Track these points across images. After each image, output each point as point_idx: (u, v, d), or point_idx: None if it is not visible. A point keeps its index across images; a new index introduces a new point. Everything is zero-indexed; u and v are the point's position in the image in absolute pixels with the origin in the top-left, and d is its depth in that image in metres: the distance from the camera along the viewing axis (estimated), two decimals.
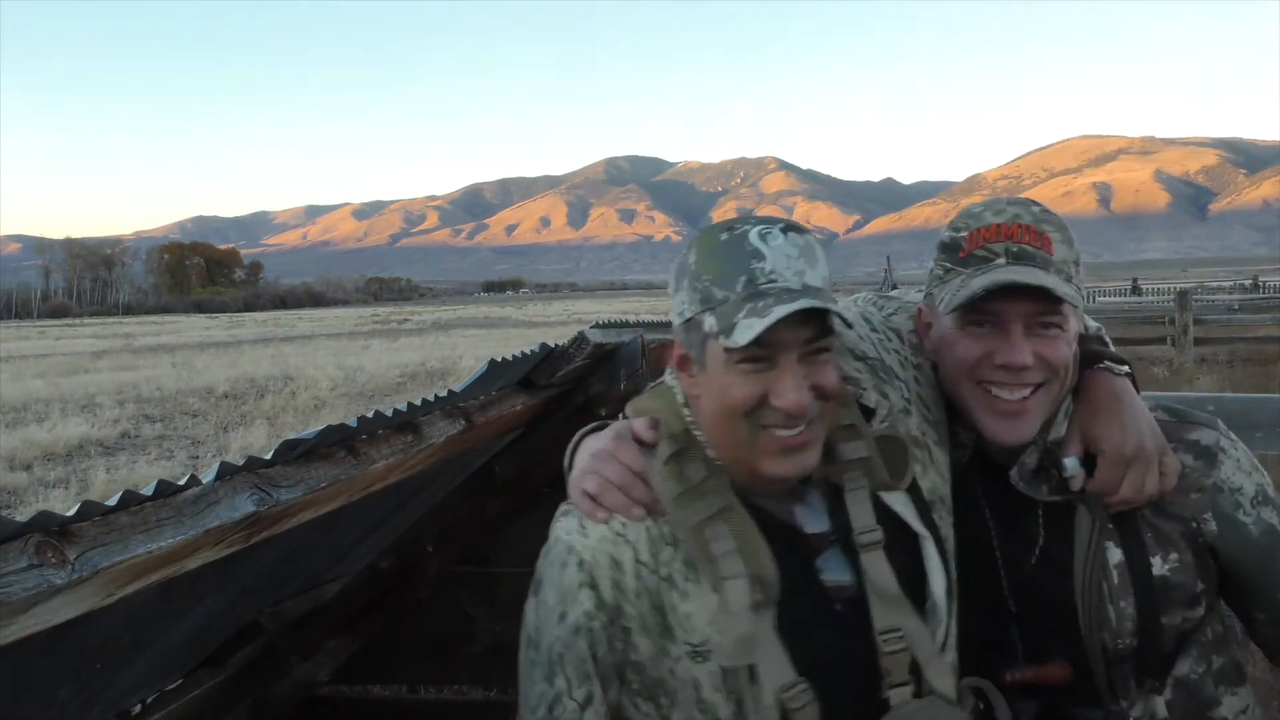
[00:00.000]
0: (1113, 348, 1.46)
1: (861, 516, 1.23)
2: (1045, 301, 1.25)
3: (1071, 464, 1.32)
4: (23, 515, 1.28)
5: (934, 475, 1.34)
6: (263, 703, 2.27)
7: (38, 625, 1.11)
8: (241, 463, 1.54)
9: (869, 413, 1.31)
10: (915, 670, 1.21)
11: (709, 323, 1.16)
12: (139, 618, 1.40)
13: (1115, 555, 1.31)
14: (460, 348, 27.07)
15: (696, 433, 1.26)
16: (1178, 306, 15.15)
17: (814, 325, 1.15)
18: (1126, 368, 1.40)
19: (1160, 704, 1.32)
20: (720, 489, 1.22)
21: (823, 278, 1.18)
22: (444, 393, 1.95)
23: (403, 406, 1.90)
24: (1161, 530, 1.32)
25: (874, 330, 1.41)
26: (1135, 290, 44.12)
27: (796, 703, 1.15)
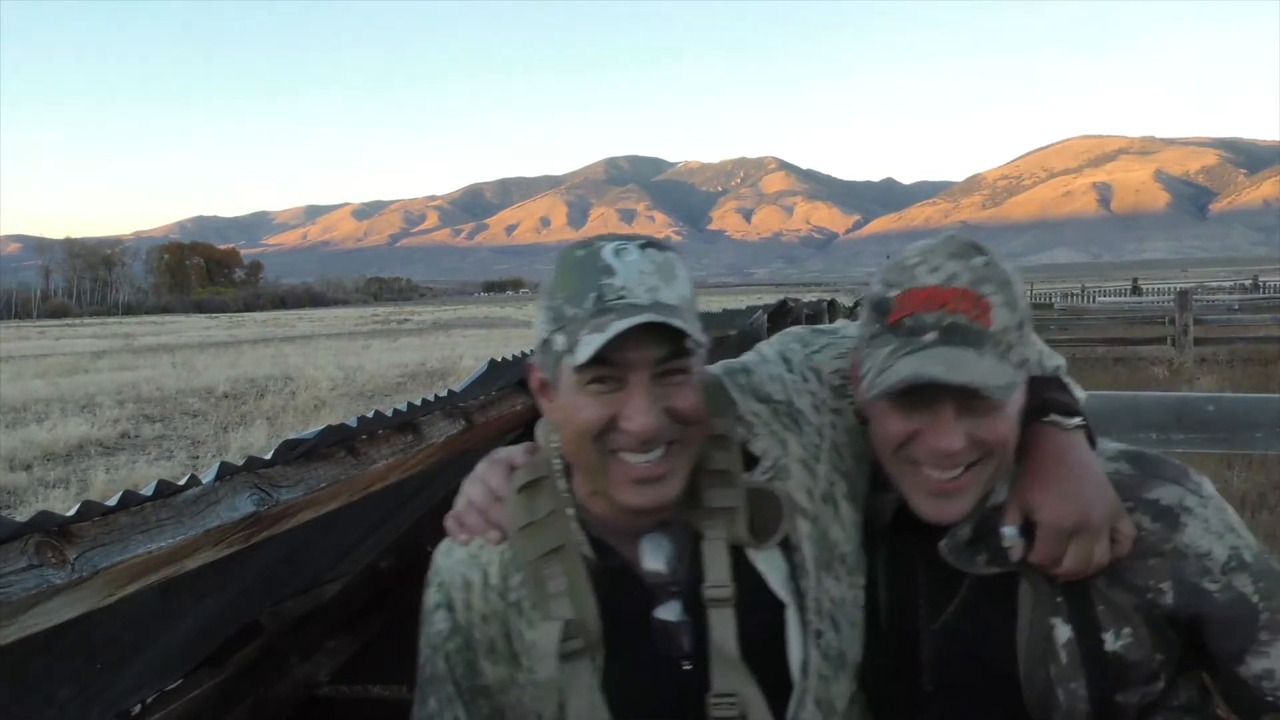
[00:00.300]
0: (1076, 390, 1.31)
1: (716, 570, 1.16)
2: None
3: (1010, 534, 1.18)
4: (23, 515, 1.29)
5: (836, 531, 1.24)
6: (263, 703, 2.27)
7: (38, 625, 1.11)
8: (241, 463, 1.54)
9: (754, 460, 1.23)
10: None
11: (559, 341, 1.10)
12: (139, 618, 1.40)
13: (1064, 633, 1.18)
14: (460, 348, 27.07)
15: (556, 462, 1.22)
16: (1178, 306, 15.16)
17: (666, 345, 1.08)
18: (1079, 419, 1.24)
19: None
20: (560, 525, 1.18)
21: (680, 296, 1.11)
22: (444, 393, 1.95)
23: (403, 406, 1.90)
24: (1114, 602, 1.18)
25: (790, 370, 1.31)
26: (1135, 290, 44.15)
27: None
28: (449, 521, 1.27)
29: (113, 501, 1.26)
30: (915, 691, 1.25)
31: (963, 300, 1.12)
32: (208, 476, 1.46)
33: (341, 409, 14.52)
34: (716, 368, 1.31)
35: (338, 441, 1.72)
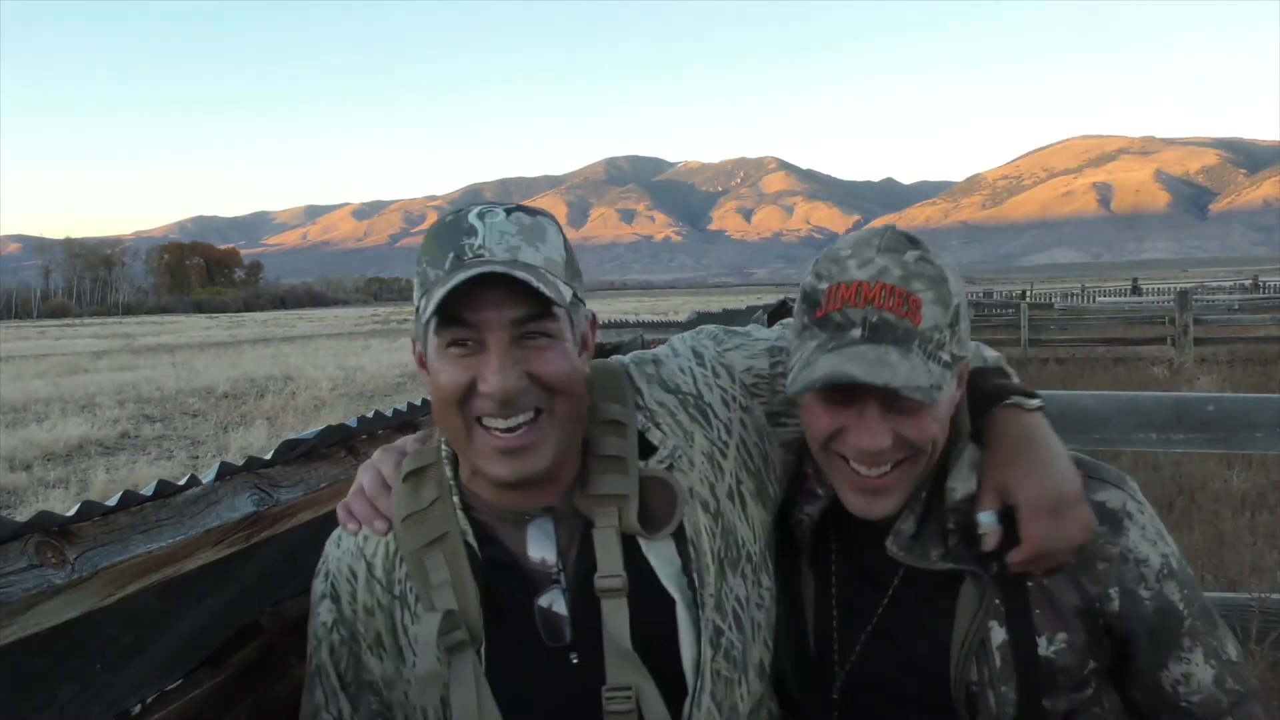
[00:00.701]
0: (1015, 379, 1.29)
1: (607, 559, 1.11)
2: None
3: (987, 520, 1.15)
4: (23, 515, 1.29)
5: (743, 529, 1.20)
6: (263, 703, 2.26)
7: (38, 625, 1.11)
8: (241, 463, 1.54)
9: (651, 450, 1.18)
10: None
11: (422, 305, 1.07)
12: (139, 618, 1.40)
13: (999, 635, 1.16)
14: None
15: (444, 449, 1.19)
16: (1178, 306, 15.16)
17: (526, 305, 1.05)
18: (1037, 400, 1.23)
19: None
20: (445, 514, 1.15)
21: (546, 258, 1.08)
22: None
23: (403, 406, 1.90)
24: (1058, 603, 1.17)
25: (701, 365, 1.26)
26: (1135, 290, 44.15)
27: None
28: (339, 510, 1.24)
29: (113, 501, 1.26)
30: (828, 698, 1.24)
31: (891, 297, 1.09)
32: (208, 476, 1.46)
33: (341, 409, 14.52)
34: (626, 358, 1.29)
35: (338, 441, 1.72)
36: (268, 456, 1.60)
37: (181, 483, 1.40)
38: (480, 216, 1.08)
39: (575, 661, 1.12)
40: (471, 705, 1.08)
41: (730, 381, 1.26)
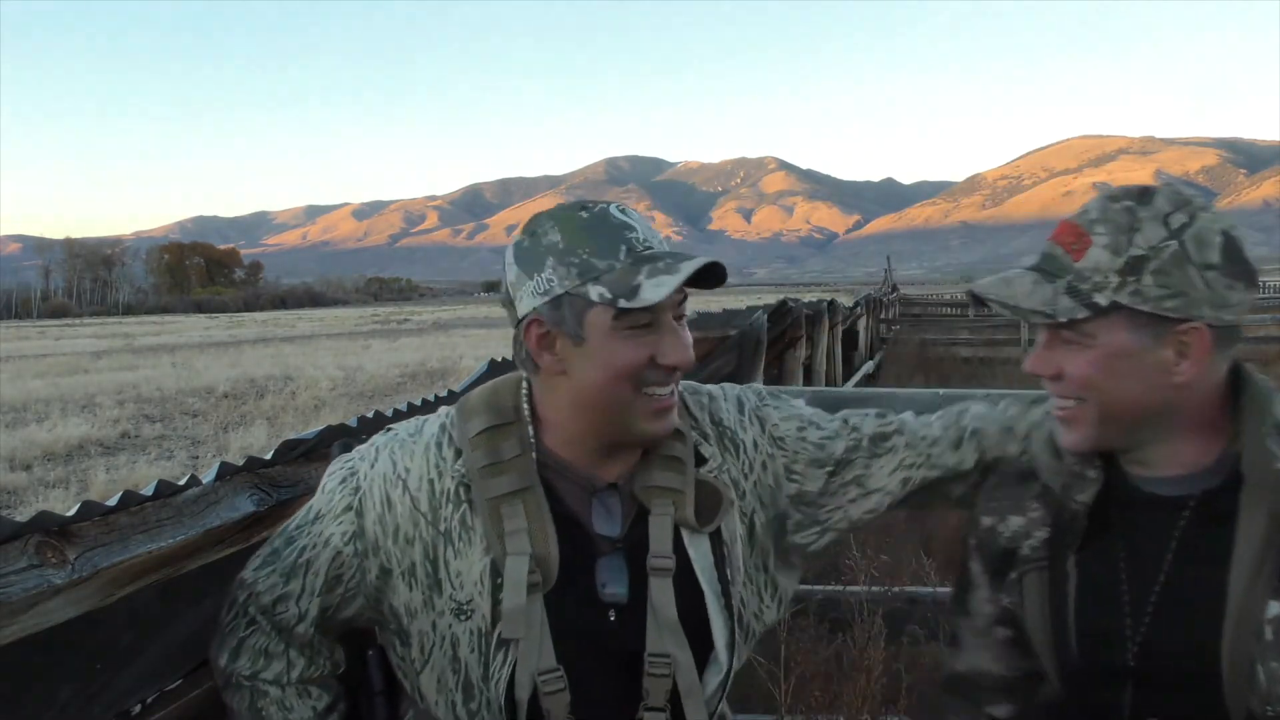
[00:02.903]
0: None
1: (660, 542, 1.25)
2: None
3: None
4: (23, 515, 1.28)
5: (757, 546, 1.36)
6: None
7: (38, 625, 1.11)
8: (241, 463, 1.54)
9: (701, 460, 1.33)
10: (674, 700, 1.24)
11: (596, 292, 1.18)
12: (139, 618, 1.40)
13: (1273, 609, 1.12)
14: (460, 348, 27.07)
15: (524, 409, 1.29)
16: None
17: (680, 289, 1.20)
18: None
19: None
20: (527, 470, 1.25)
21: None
22: (444, 393, 1.95)
23: (403, 406, 1.90)
24: None
25: (740, 411, 1.40)
26: None
27: (550, 687, 1.20)
28: None
29: (113, 501, 1.26)
30: (1107, 682, 1.22)
31: (1070, 234, 1.18)
32: (208, 476, 1.46)
33: (341, 409, 14.53)
34: (683, 386, 1.40)
35: (338, 441, 1.72)
36: (268, 456, 1.60)
37: (181, 483, 1.40)
38: (623, 211, 1.24)
39: (615, 624, 1.25)
40: (535, 641, 1.20)
41: (761, 432, 1.39)
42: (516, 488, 1.24)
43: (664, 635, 1.23)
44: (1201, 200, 1.17)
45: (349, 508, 1.27)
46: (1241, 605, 1.13)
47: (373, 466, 1.28)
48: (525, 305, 1.23)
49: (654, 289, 1.15)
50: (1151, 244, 1.12)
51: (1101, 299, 1.14)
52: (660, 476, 1.28)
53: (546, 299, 1.21)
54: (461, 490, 1.25)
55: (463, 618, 1.23)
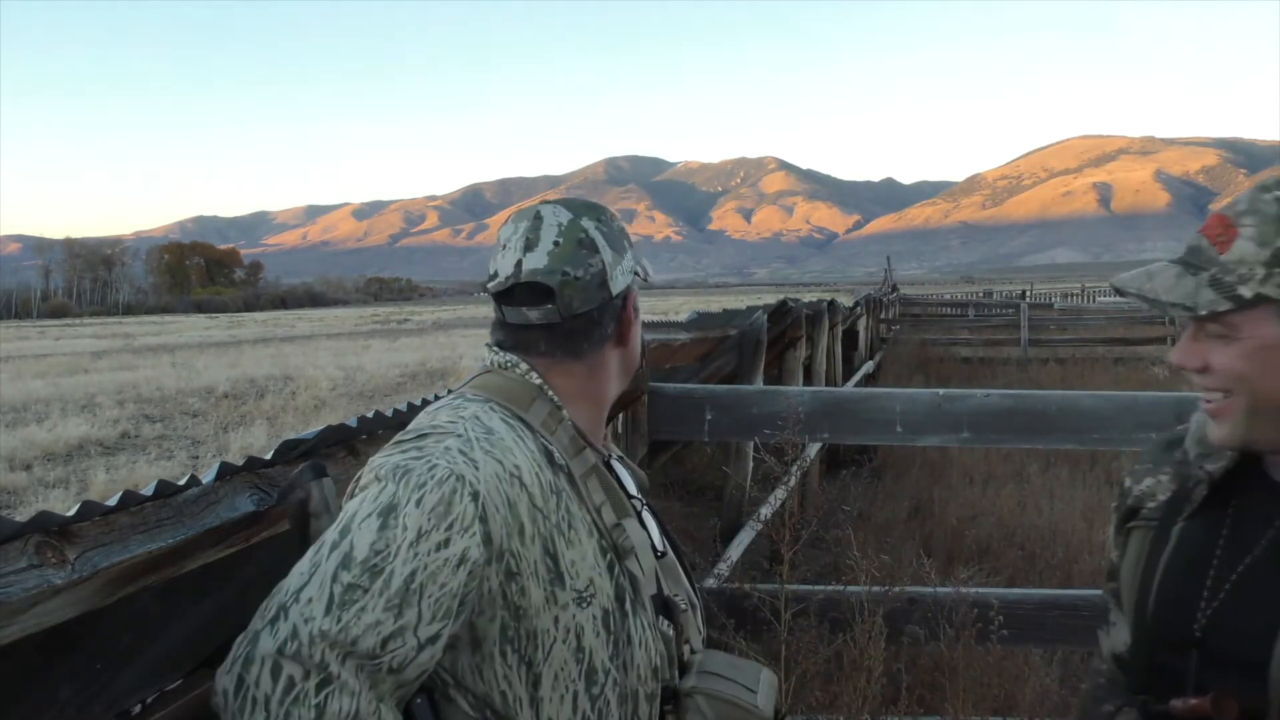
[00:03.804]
0: None
1: (629, 487, 1.41)
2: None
3: None
4: (23, 515, 1.28)
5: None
6: None
7: (38, 625, 1.11)
8: (241, 463, 1.55)
9: None
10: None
11: (643, 267, 1.42)
12: (139, 618, 1.40)
13: None
14: (460, 348, 27.05)
15: (556, 399, 1.35)
16: None
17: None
18: None
19: None
20: (588, 448, 1.34)
21: None
22: (444, 393, 1.95)
23: (403, 406, 1.90)
24: None
25: None
26: None
27: (670, 633, 1.32)
28: None
29: (113, 501, 1.26)
30: (1177, 647, 1.23)
31: (1217, 226, 1.15)
32: (208, 476, 1.46)
33: (341, 409, 14.52)
34: None
35: (338, 441, 1.73)
36: (268, 456, 1.60)
37: (181, 483, 1.40)
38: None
39: (663, 572, 1.38)
40: (646, 604, 1.31)
41: None
42: (590, 465, 1.33)
43: (673, 576, 1.39)
44: None
45: (475, 516, 1.15)
46: None
47: (478, 469, 1.18)
48: (621, 282, 1.36)
49: (651, 270, 1.43)
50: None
51: (1246, 291, 1.12)
52: (617, 448, 1.48)
53: (634, 276, 1.39)
54: (557, 478, 1.27)
55: (584, 605, 1.23)
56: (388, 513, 1.13)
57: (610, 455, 1.42)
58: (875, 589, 3.09)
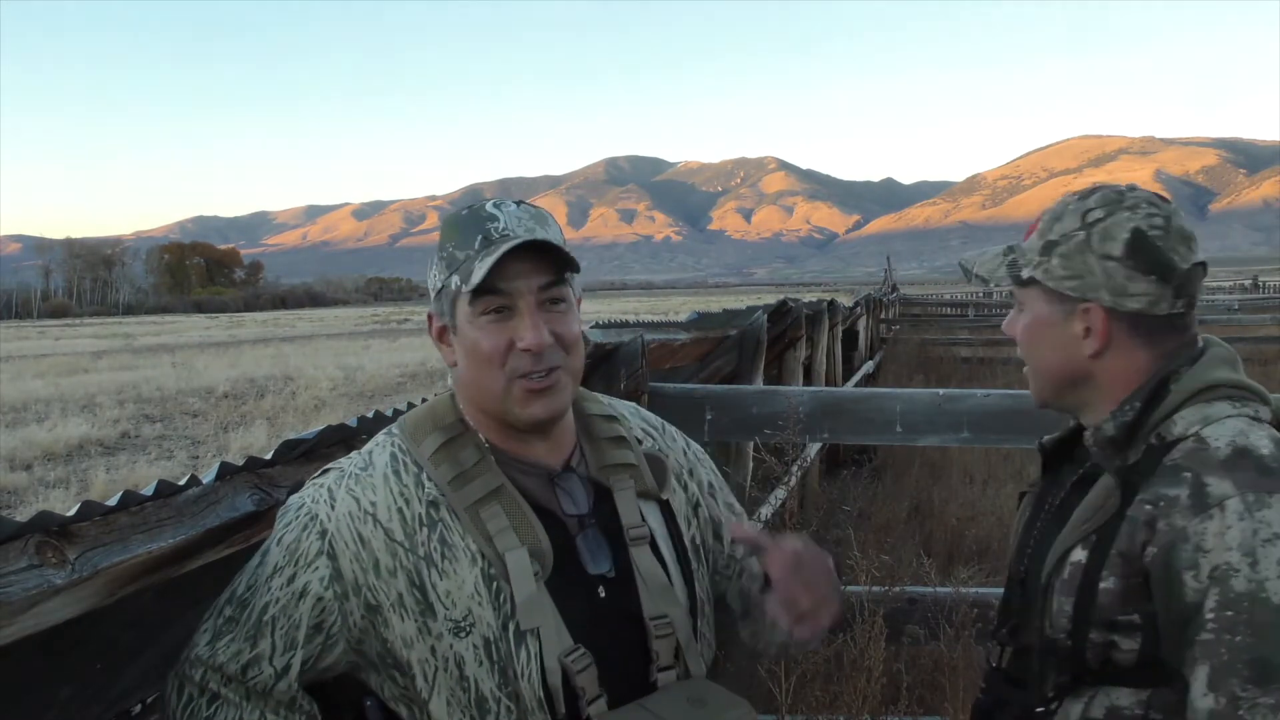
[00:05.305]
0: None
1: (630, 514, 1.33)
2: None
3: None
4: (23, 515, 1.28)
5: (695, 530, 1.44)
6: None
7: (38, 625, 1.11)
8: (241, 463, 1.55)
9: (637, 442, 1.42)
10: (677, 655, 1.31)
11: (454, 282, 1.25)
12: (139, 618, 1.40)
13: (1077, 554, 1.28)
14: None
15: (468, 419, 1.33)
16: None
17: (547, 274, 1.25)
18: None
19: (1077, 714, 1.28)
20: (491, 472, 1.28)
21: (556, 236, 1.28)
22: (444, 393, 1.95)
23: (403, 406, 1.90)
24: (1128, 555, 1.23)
25: (687, 447, 1.52)
26: None
27: (579, 665, 1.23)
28: None
29: (113, 501, 1.26)
30: (1014, 587, 1.44)
31: (1034, 220, 1.41)
32: (208, 476, 1.46)
33: (341, 409, 14.53)
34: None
35: (338, 441, 1.73)
36: (268, 456, 1.60)
37: (182, 483, 1.40)
38: (496, 206, 1.29)
39: (607, 597, 1.29)
40: (552, 627, 1.23)
41: (690, 460, 1.50)
42: (489, 490, 1.27)
43: (657, 598, 1.30)
44: (1143, 201, 1.34)
45: (320, 552, 1.24)
46: (1062, 543, 1.32)
47: (333, 508, 1.27)
48: (431, 301, 1.32)
49: (478, 272, 1.21)
50: (1064, 232, 1.34)
51: (1024, 273, 1.37)
52: (614, 455, 1.36)
53: (435, 294, 1.31)
54: (433, 510, 1.26)
55: (462, 635, 1.22)
56: (264, 550, 1.29)
57: (557, 469, 1.33)
58: (875, 589, 3.09)
